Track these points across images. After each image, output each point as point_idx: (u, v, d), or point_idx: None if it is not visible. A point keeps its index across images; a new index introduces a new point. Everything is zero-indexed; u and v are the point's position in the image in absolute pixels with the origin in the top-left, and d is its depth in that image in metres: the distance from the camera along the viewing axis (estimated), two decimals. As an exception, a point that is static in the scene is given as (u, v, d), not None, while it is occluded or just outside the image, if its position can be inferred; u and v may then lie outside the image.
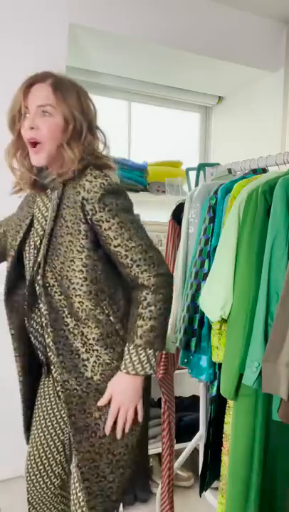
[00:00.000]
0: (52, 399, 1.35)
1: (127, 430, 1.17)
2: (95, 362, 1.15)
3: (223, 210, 1.58)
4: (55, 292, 1.16)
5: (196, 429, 2.08)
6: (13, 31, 2.01)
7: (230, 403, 1.50)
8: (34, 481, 1.35)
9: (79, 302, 1.15)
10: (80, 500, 1.18)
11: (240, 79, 2.86)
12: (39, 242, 1.23)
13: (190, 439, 2.05)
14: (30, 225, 1.28)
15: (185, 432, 2.19)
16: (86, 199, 1.15)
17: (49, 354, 1.26)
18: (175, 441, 1.92)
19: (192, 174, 2.14)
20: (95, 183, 1.16)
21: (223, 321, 1.44)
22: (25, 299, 1.28)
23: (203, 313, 1.52)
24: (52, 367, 1.29)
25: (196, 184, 2.05)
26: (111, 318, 1.17)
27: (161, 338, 1.16)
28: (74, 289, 1.15)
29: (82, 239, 1.16)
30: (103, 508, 1.18)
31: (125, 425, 1.17)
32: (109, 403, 1.16)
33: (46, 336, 1.24)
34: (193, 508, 1.92)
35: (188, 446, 2.03)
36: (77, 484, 1.18)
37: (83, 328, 1.15)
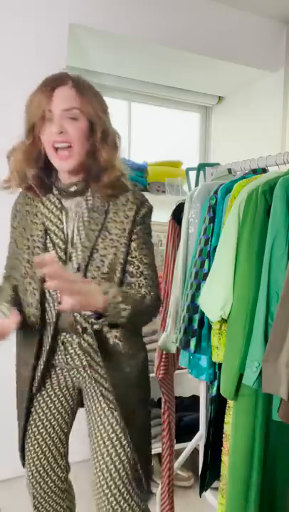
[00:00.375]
0: (57, 392, 1.34)
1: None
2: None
3: (223, 210, 1.58)
4: None
5: (196, 429, 2.08)
6: (13, 31, 2.01)
7: (230, 403, 1.50)
8: (41, 482, 1.34)
9: None
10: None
11: (240, 79, 2.86)
12: (65, 254, 1.20)
13: (190, 439, 2.05)
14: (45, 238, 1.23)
15: (185, 431, 2.19)
16: (139, 215, 1.23)
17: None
18: (175, 441, 1.92)
19: (192, 174, 2.14)
20: (143, 200, 1.26)
21: (223, 321, 1.44)
22: (48, 315, 1.24)
23: (203, 313, 1.52)
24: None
25: (196, 184, 2.05)
26: None
27: (129, 318, 1.16)
28: None
29: (123, 252, 1.21)
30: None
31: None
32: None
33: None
34: (193, 508, 1.92)
35: (188, 446, 2.03)
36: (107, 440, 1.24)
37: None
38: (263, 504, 1.36)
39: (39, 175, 1.22)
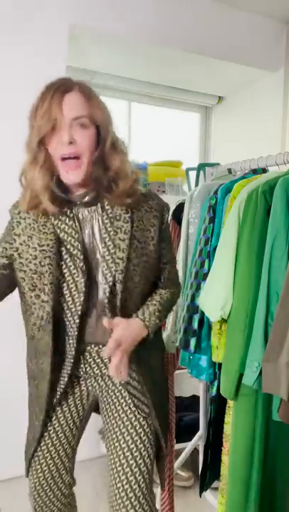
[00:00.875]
0: (70, 403, 1.27)
1: (119, 369, 1.10)
2: None
3: (223, 210, 1.58)
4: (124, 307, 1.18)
5: (196, 429, 2.08)
6: (13, 31, 2.01)
7: (230, 403, 1.50)
8: (43, 497, 1.28)
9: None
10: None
11: (240, 79, 2.86)
12: (85, 266, 1.14)
13: (190, 439, 2.05)
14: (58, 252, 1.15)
15: (185, 431, 2.19)
16: (164, 222, 1.24)
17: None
18: (175, 441, 1.92)
19: (192, 174, 2.14)
20: (164, 205, 1.26)
21: (223, 321, 1.44)
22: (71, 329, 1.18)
23: (203, 313, 1.52)
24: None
25: (196, 184, 2.05)
26: None
27: (163, 316, 1.27)
28: (140, 296, 1.22)
29: (154, 259, 1.22)
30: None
31: (120, 361, 1.10)
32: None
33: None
34: (193, 508, 1.92)
35: (188, 446, 2.03)
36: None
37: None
38: (263, 504, 1.36)
39: (52, 190, 1.13)
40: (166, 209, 1.28)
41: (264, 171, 1.72)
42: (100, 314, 1.17)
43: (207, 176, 2.01)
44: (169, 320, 1.79)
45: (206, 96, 3.16)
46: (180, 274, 1.74)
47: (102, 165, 1.14)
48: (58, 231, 1.15)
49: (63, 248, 1.15)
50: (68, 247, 1.15)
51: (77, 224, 1.16)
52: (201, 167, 2.05)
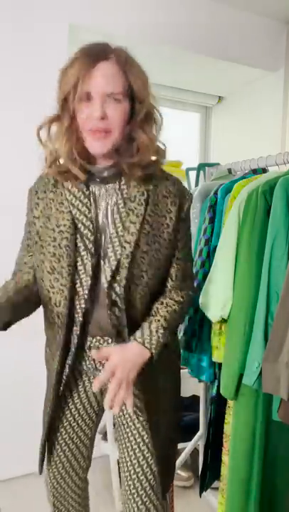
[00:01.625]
0: (83, 400, 1.21)
1: (121, 400, 1.01)
2: None
3: (223, 210, 1.58)
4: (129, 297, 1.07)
5: (196, 429, 2.08)
6: (13, 31, 2.01)
7: (230, 403, 1.50)
8: (59, 489, 1.25)
9: (142, 295, 1.09)
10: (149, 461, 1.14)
11: (240, 79, 2.86)
12: (94, 247, 1.06)
13: (190, 439, 2.05)
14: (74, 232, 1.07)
15: (185, 431, 2.18)
16: (183, 211, 1.12)
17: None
18: (175, 441, 1.92)
19: (192, 174, 2.14)
20: (184, 191, 1.14)
21: (223, 321, 1.44)
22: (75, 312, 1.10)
23: (203, 313, 1.52)
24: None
25: (196, 184, 2.05)
26: None
27: (169, 332, 1.12)
28: (146, 288, 1.09)
29: (167, 250, 1.11)
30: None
31: (120, 391, 1.02)
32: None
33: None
34: (193, 508, 1.92)
35: (188, 446, 2.03)
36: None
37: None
38: (263, 504, 1.36)
39: (74, 156, 1.05)
40: (188, 197, 1.15)
41: (264, 171, 1.72)
42: (102, 303, 1.08)
43: (207, 175, 2.01)
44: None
45: (206, 96, 3.15)
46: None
47: (130, 138, 1.07)
48: (72, 208, 1.07)
49: (76, 228, 1.07)
50: (79, 226, 1.07)
51: (92, 202, 1.08)
52: (201, 167, 2.05)
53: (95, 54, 1.01)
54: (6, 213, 1.79)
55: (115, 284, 1.06)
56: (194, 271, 1.60)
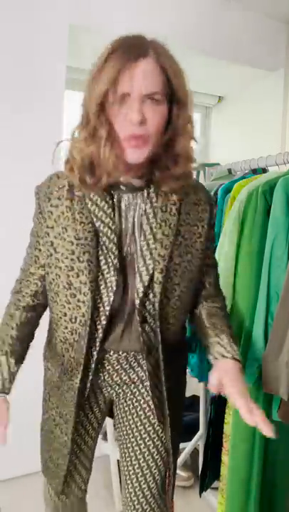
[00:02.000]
0: (97, 414, 1.18)
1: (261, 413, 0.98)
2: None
3: (223, 210, 1.58)
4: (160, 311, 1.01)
5: (196, 429, 2.08)
6: (13, 31, 2.01)
7: (230, 403, 1.50)
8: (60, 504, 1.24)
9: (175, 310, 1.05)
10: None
11: (240, 79, 2.86)
12: (119, 261, 0.98)
13: (190, 439, 2.05)
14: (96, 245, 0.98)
15: (185, 431, 2.19)
16: (213, 218, 1.08)
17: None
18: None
19: (192, 174, 2.14)
20: (211, 198, 1.10)
21: (223, 321, 1.44)
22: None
23: (203, 313, 1.52)
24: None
25: (196, 184, 2.04)
26: None
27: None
28: (179, 302, 1.04)
29: (199, 260, 1.06)
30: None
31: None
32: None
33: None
34: (193, 508, 1.92)
35: (188, 446, 2.03)
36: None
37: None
38: (263, 504, 1.37)
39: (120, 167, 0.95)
40: (214, 205, 1.13)
41: (264, 171, 1.73)
42: (128, 319, 1.01)
43: (207, 176, 2.01)
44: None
45: (206, 96, 3.16)
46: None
47: (166, 145, 0.97)
48: (95, 220, 0.97)
49: (100, 241, 0.98)
50: (104, 239, 0.97)
51: (116, 213, 0.99)
52: (201, 167, 2.05)
53: (134, 50, 0.90)
54: (6, 213, 1.79)
55: (146, 300, 0.99)
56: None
